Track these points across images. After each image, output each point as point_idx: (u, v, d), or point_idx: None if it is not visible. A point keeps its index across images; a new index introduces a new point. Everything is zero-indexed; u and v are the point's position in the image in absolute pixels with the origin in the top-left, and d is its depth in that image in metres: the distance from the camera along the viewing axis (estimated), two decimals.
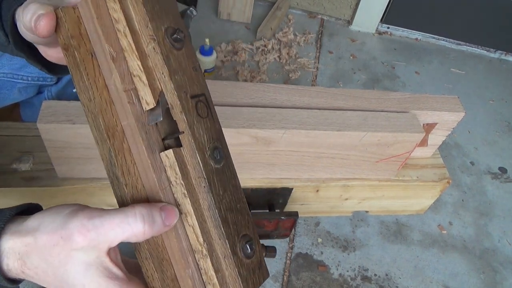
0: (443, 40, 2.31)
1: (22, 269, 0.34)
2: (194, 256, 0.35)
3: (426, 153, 0.86)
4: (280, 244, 1.33)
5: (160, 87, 0.34)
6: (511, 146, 1.87)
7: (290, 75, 1.89)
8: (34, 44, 0.42)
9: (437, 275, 1.38)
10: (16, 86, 0.78)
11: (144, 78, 0.34)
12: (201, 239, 0.34)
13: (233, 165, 0.38)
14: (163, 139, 0.36)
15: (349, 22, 2.27)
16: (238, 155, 0.70)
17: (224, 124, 0.64)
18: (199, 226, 0.34)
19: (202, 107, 0.36)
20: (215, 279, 0.34)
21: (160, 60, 0.33)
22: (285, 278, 1.27)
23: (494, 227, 1.55)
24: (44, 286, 0.35)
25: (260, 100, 0.72)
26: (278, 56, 1.97)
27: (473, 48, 2.32)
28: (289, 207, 0.84)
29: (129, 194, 0.35)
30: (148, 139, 0.35)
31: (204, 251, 0.34)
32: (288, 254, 1.33)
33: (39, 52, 0.44)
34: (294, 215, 0.77)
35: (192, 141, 0.34)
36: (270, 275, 1.26)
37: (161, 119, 0.34)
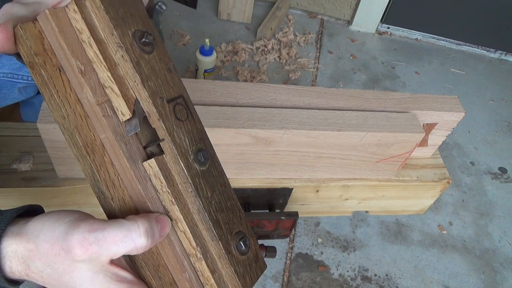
0: (443, 40, 2.31)
1: (26, 272, 0.34)
2: (190, 260, 0.35)
3: (426, 153, 0.86)
4: (280, 244, 1.33)
5: (134, 96, 0.33)
6: (511, 146, 1.86)
7: (290, 75, 1.89)
8: None
9: (437, 275, 1.38)
10: (16, 86, 0.78)
11: (116, 88, 0.33)
12: (193, 243, 0.34)
13: (220, 163, 0.37)
14: (144, 147, 0.35)
15: (349, 22, 2.27)
16: (238, 155, 0.70)
17: (224, 124, 0.64)
18: (190, 231, 0.34)
19: (181, 109, 0.35)
20: (212, 280, 0.35)
21: (131, 68, 0.32)
22: (285, 278, 1.27)
23: (494, 227, 1.55)
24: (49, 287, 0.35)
25: (260, 100, 0.72)
26: (278, 56, 1.97)
27: (473, 48, 2.32)
28: (289, 207, 0.84)
29: (116, 207, 0.35)
30: (129, 150, 0.34)
31: (199, 255, 0.34)
32: (288, 254, 1.33)
33: None
34: (294, 215, 0.77)
35: (174, 147, 0.33)
36: (270, 275, 1.26)
37: (139, 129, 0.33)
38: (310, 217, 1.43)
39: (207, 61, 1.67)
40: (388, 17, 2.24)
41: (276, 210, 0.82)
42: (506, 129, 1.94)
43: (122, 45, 0.32)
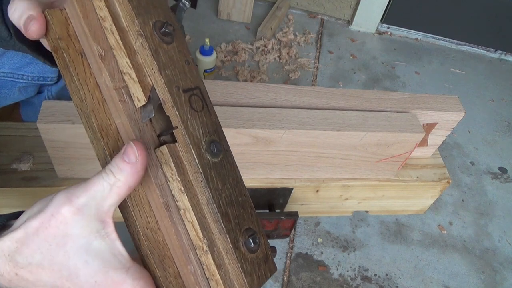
0: (443, 40, 2.31)
1: (15, 271, 0.32)
2: (196, 252, 0.35)
3: (426, 153, 0.86)
4: (280, 244, 1.33)
5: (151, 83, 0.34)
6: (511, 146, 1.87)
7: (290, 75, 1.89)
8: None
9: (437, 275, 1.38)
10: (17, 85, 0.78)
11: (133, 75, 0.34)
12: (201, 235, 0.34)
13: (233, 158, 0.37)
14: (158, 136, 0.35)
15: (349, 22, 2.27)
16: (238, 155, 0.70)
17: (224, 124, 0.64)
18: (198, 222, 0.34)
19: (197, 100, 0.35)
20: (218, 275, 0.34)
21: (149, 55, 0.33)
22: (285, 278, 1.27)
23: (494, 227, 1.55)
24: (39, 284, 0.33)
25: (260, 100, 0.72)
26: (278, 56, 1.97)
27: (473, 48, 2.32)
28: (289, 207, 0.84)
29: None
30: (142, 136, 0.35)
31: (205, 247, 0.34)
32: (288, 254, 1.33)
33: (41, 45, 0.44)
34: (294, 215, 0.77)
35: (186, 135, 0.33)
36: None
37: (153, 115, 0.34)
38: (310, 217, 1.43)
39: (207, 61, 1.67)
40: (388, 17, 2.24)
41: (276, 210, 0.82)
42: (506, 129, 1.94)
43: (142, 33, 0.32)
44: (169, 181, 0.34)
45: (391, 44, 2.25)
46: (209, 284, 0.35)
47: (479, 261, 1.44)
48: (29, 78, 0.78)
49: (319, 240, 1.39)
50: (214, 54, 1.69)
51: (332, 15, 2.28)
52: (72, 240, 0.32)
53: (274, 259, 1.29)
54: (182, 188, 0.34)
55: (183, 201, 0.34)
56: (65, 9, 0.35)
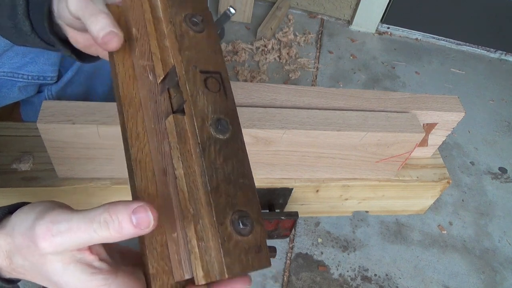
0: (443, 40, 2.31)
1: (12, 267, 0.33)
2: (183, 223, 0.34)
3: (426, 153, 0.86)
4: (280, 244, 1.33)
5: (172, 62, 0.37)
6: (511, 146, 1.87)
7: (290, 75, 1.89)
8: (65, 32, 0.48)
9: (437, 275, 1.38)
10: (16, 85, 0.78)
11: (158, 54, 0.38)
12: (188, 205, 0.33)
13: (244, 143, 0.36)
14: (173, 112, 0.37)
15: (349, 22, 2.27)
16: None
17: None
18: (188, 191, 0.33)
19: (214, 82, 0.36)
20: (197, 249, 0.32)
21: (173, 38, 0.36)
22: (285, 278, 1.27)
23: (494, 227, 1.55)
24: (36, 282, 0.34)
25: (260, 100, 0.72)
26: (278, 56, 1.97)
27: (473, 48, 2.32)
28: (289, 207, 0.84)
29: (134, 155, 0.38)
30: (157, 108, 0.38)
31: (190, 217, 0.33)
32: (288, 254, 1.33)
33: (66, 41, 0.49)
34: (294, 215, 0.77)
35: (193, 108, 0.34)
36: (270, 275, 1.26)
37: (168, 88, 0.37)
38: (310, 217, 1.43)
39: None
40: (388, 17, 2.24)
41: (276, 210, 0.82)
42: (506, 129, 1.94)
43: (171, 20, 0.37)
44: (172, 149, 0.35)
45: (391, 44, 2.25)
46: (189, 257, 0.33)
47: (479, 261, 1.44)
48: (29, 77, 0.78)
49: (319, 240, 1.39)
50: None
51: (332, 15, 2.28)
52: (49, 262, 0.32)
53: (274, 259, 1.29)
54: (180, 156, 0.34)
55: (179, 170, 0.34)
56: (121, 5, 0.43)
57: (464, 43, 2.31)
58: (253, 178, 0.37)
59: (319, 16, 2.28)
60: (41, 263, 0.32)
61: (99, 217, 0.30)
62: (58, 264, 0.32)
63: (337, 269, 1.33)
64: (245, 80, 1.80)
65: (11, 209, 0.36)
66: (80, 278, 0.32)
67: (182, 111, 0.36)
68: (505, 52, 2.31)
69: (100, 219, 0.30)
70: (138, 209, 0.30)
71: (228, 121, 0.36)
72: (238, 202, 0.34)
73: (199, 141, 0.34)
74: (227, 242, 0.32)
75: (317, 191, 0.80)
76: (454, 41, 2.31)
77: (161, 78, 0.38)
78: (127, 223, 0.30)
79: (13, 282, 0.36)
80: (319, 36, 2.18)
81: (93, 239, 0.30)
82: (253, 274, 1.18)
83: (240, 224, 0.33)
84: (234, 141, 0.36)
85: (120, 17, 0.43)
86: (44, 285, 0.34)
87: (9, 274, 0.34)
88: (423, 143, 0.83)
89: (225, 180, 0.34)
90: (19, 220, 0.33)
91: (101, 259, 0.33)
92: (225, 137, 0.35)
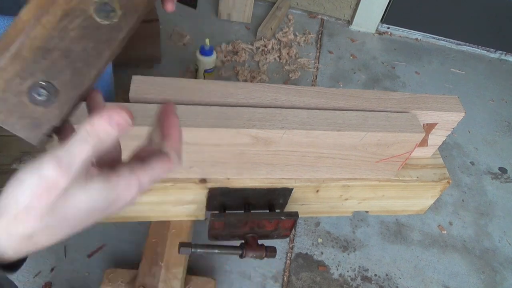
0: (443, 40, 2.31)
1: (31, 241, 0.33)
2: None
3: (426, 153, 0.86)
4: (280, 244, 1.33)
5: None
6: (511, 146, 1.87)
7: (290, 75, 1.89)
8: None
9: (437, 275, 1.38)
10: None
11: None
12: (15, 43, 0.32)
13: (122, 41, 0.35)
14: None
15: (349, 22, 2.27)
16: (238, 155, 0.70)
17: (224, 124, 0.64)
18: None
19: None
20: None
21: None
22: (285, 278, 1.27)
23: (494, 227, 1.55)
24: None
25: (260, 100, 0.72)
26: (278, 56, 1.97)
27: (473, 48, 2.32)
28: (289, 207, 0.84)
29: None
30: None
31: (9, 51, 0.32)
32: (288, 254, 1.33)
33: None
34: (294, 215, 0.77)
35: None
36: (270, 275, 1.26)
37: None
38: (310, 217, 1.43)
39: (207, 61, 1.67)
40: (388, 17, 2.24)
41: (276, 210, 0.82)
42: (506, 129, 1.94)
43: None
44: None
45: (391, 44, 2.25)
46: None
47: (479, 261, 1.45)
48: None
49: (319, 240, 1.39)
50: (214, 54, 1.68)
51: (332, 15, 2.28)
52: (72, 196, 0.32)
53: (274, 259, 1.29)
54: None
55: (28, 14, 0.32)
56: None
57: (464, 43, 2.31)
58: (95, 76, 0.35)
59: (319, 16, 2.28)
60: (63, 201, 0.32)
61: (79, 133, 0.31)
62: (79, 191, 0.32)
63: (337, 269, 1.33)
64: (245, 80, 1.80)
65: None
66: (103, 187, 0.32)
67: None
68: (505, 52, 2.31)
69: (81, 134, 0.31)
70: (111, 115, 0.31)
71: (116, 11, 0.33)
72: (56, 77, 0.33)
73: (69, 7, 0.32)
74: (10, 93, 0.33)
75: (317, 191, 0.80)
76: (454, 41, 2.31)
77: None
78: (100, 125, 0.31)
79: (17, 266, 0.35)
80: (319, 36, 2.18)
81: (84, 152, 0.31)
82: (253, 274, 1.18)
83: (37, 94, 0.33)
84: (115, 30, 0.34)
85: None
86: (63, 233, 0.33)
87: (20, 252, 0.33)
88: (423, 143, 0.83)
89: (62, 50, 0.33)
90: (13, 194, 0.32)
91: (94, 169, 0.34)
92: (106, 23, 0.33)
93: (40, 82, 0.33)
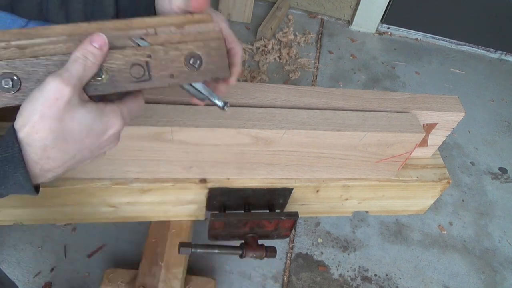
0: (443, 40, 2.31)
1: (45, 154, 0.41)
2: None
3: (426, 153, 0.86)
4: (280, 244, 1.33)
5: None
6: (511, 146, 1.87)
7: (290, 75, 1.89)
8: None
9: (437, 275, 1.38)
10: None
11: None
12: None
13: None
14: None
15: (349, 22, 2.27)
16: (238, 155, 0.70)
17: (224, 124, 0.64)
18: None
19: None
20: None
21: None
22: (285, 278, 1.27)
23: (494, 227, 1.55)
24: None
25: (260, 100, 0.72)
26: (278, 56, 1.97)
27: (473, 48, 2.32)
28: (289, 207, 0.84)
29: None
30: None
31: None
32: (288, 254, 1.33)
33: None
34: (294, 215, 0.77)
35: None
36: (270, 275, 1.26)
37: None
38: (310, 217, 1.43)
39: None
40: (388, 17, 2.24)
41: (276, 210, 0.82)
42: (506, 129, 1.94)
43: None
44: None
45: (391, 44, 2.25)
46: None
47: (479, 261, 1.45)
48: None
49: (319, 240, 1.39)
50: None
51: (332, 15, 2.28)
52: (74, 111, 0.40)
53: (274, 259, 1.29)
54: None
55: None
56: None
57: (464, 43, 2.31)
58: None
59: (319, 16, 2.28)
60: (67, 117, 0.39)
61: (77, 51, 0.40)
62: (80, 106, 0.39)
63: (337, 269, 1.33)
64: (245, 80, 1.80)
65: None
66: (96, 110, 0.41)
67: None
68: (505, 52, 2.31)
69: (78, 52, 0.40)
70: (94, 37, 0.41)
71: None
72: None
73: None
74: None
75: (317, 191, 0.80)
76: (454, 41, 2.31)
77: None
78: (86, 48, 0.41)
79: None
80: (319, 36, 2.18)
81: (84, 61, 0.40)
82: (253, 274, 1.18)
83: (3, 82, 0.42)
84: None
85: None
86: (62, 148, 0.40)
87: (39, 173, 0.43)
88: (423, 143, 0.83)
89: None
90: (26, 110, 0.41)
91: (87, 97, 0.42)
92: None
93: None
